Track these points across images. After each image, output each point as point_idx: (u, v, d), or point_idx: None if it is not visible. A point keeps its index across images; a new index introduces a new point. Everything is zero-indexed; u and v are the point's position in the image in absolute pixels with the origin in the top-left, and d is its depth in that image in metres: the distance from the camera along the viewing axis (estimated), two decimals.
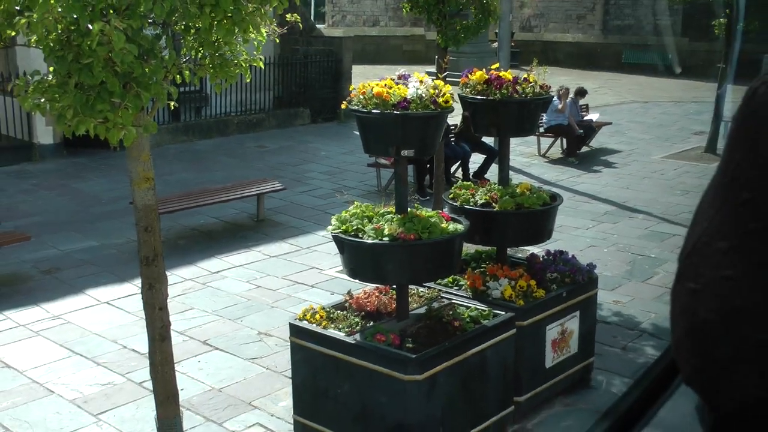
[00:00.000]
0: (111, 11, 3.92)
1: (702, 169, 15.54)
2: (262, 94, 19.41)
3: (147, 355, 5.62)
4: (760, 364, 0.70)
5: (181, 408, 5.66)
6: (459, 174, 13.99)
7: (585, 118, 17.55)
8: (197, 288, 9.30)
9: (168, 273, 5.54)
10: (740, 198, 0.73)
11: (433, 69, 10.20)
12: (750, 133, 0.74)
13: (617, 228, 11.75)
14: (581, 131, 16.77)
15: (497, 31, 16.57)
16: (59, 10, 3.82)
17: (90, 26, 3.95)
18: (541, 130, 16.41)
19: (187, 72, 4.61)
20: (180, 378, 5.99)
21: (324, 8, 42.10)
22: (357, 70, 20.74)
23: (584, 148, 17.23)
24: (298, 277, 9.64)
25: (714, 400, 0.76)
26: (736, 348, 0.72)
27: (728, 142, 0.78)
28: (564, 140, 16.92)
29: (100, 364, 7.41)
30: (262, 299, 8.96)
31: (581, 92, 17.55)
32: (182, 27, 4.39)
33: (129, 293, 8.95)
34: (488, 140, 14.18)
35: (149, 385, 5.79)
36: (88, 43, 3.90)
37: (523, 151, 16.91)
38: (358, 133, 6.07)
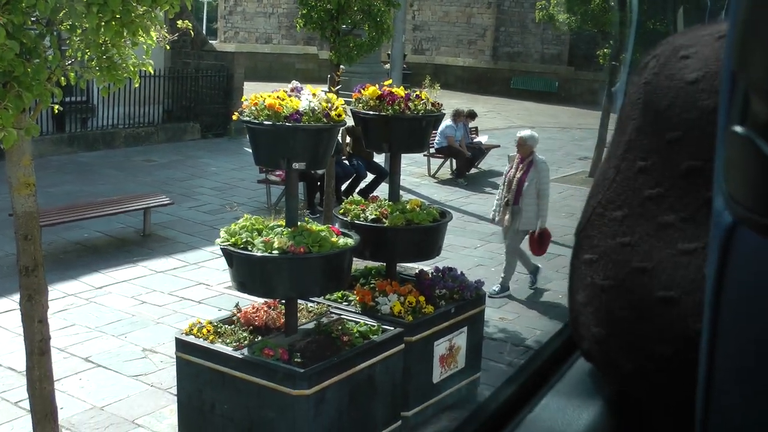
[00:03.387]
0: None
1: (586, 192, 15.61)
2: (151, 107, 19.05)
3: (24, 372, 5.38)
4: (660, 320, 0.71)
5: (60, 427, 5.44)
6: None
7: (474, 140, 17.85)
8: (80, 303, 9.00)
9: (49, 288, 5.34)
10: (635, 166, 0.75)
11: (325, 87, 10.21)
12: (642, 102, 0.76)
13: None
14: (470, 153, 17.04)
15: (389, 52, 16.73)
16: None
17: None
18: (432, 150, 16.61)
19: (73, 74, 4.47)
20: (59, 396, 5.76)
21: (216, 24, 41.78)
22: (249, 87, 20.49)
23: (473, 170, 17.50)
24: (185, 293, 9.45)
25: (616, 366, 0.77)
26: (637, 308, 0.73)
27: (620, 115, 0.80)
28: (453, 161, 17.16)
29: None
30: (147, 315, 8.74)
31: (471, 115, 17.86)
32: (68, 26, 4.24)
33: (6, 308, 8.55)
34: (380, 162, 14.26)
35: (26, 404, 5.55)
36: None
37: (412, 171, 17.05)
38: (248, 149, 6.01)
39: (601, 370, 0.81)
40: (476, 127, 18.57)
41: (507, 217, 9.57)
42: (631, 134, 0.76)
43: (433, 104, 6.85)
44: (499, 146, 19.25)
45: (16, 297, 5.41)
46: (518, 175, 9.51)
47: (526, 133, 9.78)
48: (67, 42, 4.49)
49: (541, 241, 9.61)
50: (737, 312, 0.56)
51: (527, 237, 9.74)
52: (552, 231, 12.81)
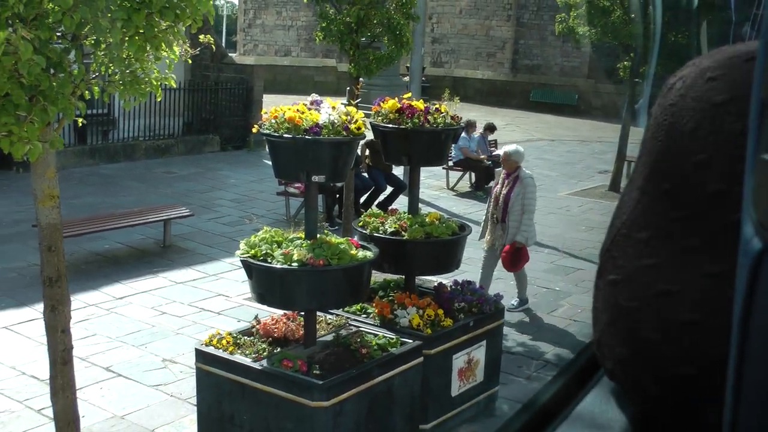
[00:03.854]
0: (17, 20, 3.81)
1: (605, 206, 15.91)
2: (172, 120, 19.19)
3: (47, 381, 5.44)
4: (684, 342, 0.72)
5: None
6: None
7: (493, 153, 17.84)
8: (101, 314, 9.07)
9: (71, 298, 5.39)
10: (660, 188, 0.76)
11: (344, 100, 10.25)
12: (668, 124, 0.76)
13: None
14: (490, 162, 17.04)
15: (408, 65, 16.78)
16: None
17: None
18: (450, 163, 16.62)
19: (97, 88, 4.52)
20: (81, 405, 5.82)
21: (235, 37, 42.02)
22: (268, 100, 20.62)
23: (491, 183, 17.45)
24: (205, 304, 9.50)
25: (641, 386, 0.77)
26: (662, 331, 0.74)
27: (646, 136, 0.80)
28: (472, 174, 17.16)
29: None
30: (167, 326, 8.79)
31: (490, 128, 17.88)
32: (92, 41, 4.30)
33: (29, 318, 8.65)
34: (398, 174, 14.28)
35: (49, 412, 5.61)
36: None
37: (431, 184, 17.07)
38: (267, 161, 6.05)
39: (625, 389, 0.81)
40: (495, 140, 18.58)
41: (493, 235, 9.34)
42: (657, 156, 0.76)
43: (452, 117, 6.86)
44: None
45: (40, 307, 5.47)
46: (504, 191, 9.20)
47: (511, 148, 9.37)
48: (92, 57, 4.55)
49: (515, 258, 9.17)
50: (766, 338, 0.56)
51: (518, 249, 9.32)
52: (572, 244, 12.81)
